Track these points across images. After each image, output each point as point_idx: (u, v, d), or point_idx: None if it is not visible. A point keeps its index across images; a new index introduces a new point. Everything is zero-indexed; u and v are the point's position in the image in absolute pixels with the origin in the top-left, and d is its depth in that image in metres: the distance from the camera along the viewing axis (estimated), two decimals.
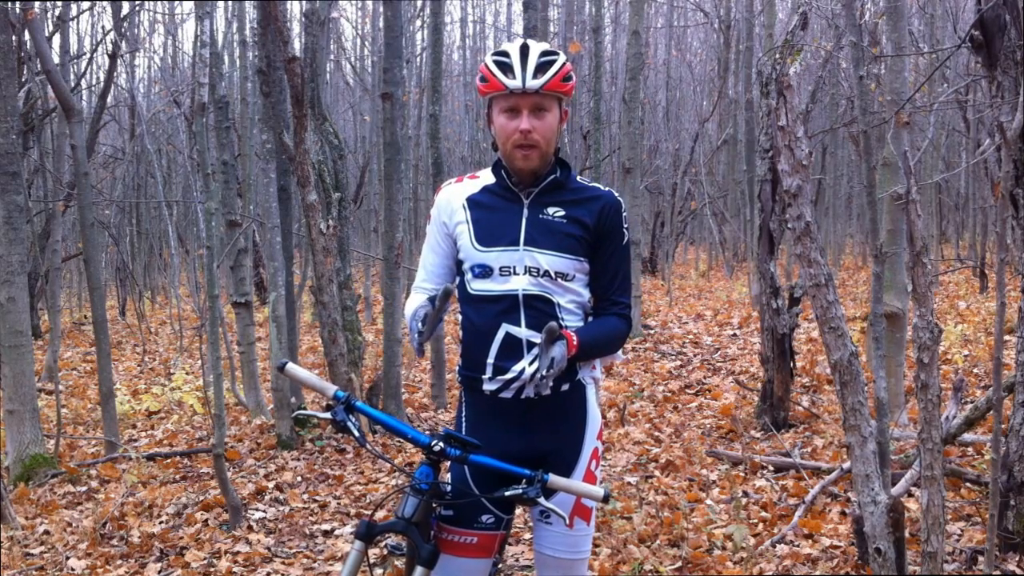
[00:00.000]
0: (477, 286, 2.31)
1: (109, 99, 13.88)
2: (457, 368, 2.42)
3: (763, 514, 4.65)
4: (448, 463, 2.29)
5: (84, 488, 5.71)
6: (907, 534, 3.63)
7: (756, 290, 8.74)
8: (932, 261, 8.29)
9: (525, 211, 2.31)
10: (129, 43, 14.23)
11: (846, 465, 4.49)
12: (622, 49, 19.36)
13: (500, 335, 2.28)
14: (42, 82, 10.52)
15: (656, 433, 6.46)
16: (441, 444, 2.18)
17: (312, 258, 6.68)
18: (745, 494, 4.98)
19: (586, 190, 2.36)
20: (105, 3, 13.67)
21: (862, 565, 3.80)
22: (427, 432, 2.23)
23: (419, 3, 17.72)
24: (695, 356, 9.50)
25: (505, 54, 2.24)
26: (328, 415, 2.19)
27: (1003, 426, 3.63)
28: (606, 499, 2.14)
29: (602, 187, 2.39)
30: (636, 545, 4.21)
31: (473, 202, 2.35)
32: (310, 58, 6.86)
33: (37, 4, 7.49)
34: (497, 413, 2.32)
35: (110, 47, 11.94)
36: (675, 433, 6.43)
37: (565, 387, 2.32)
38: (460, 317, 2.40)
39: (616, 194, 2.38)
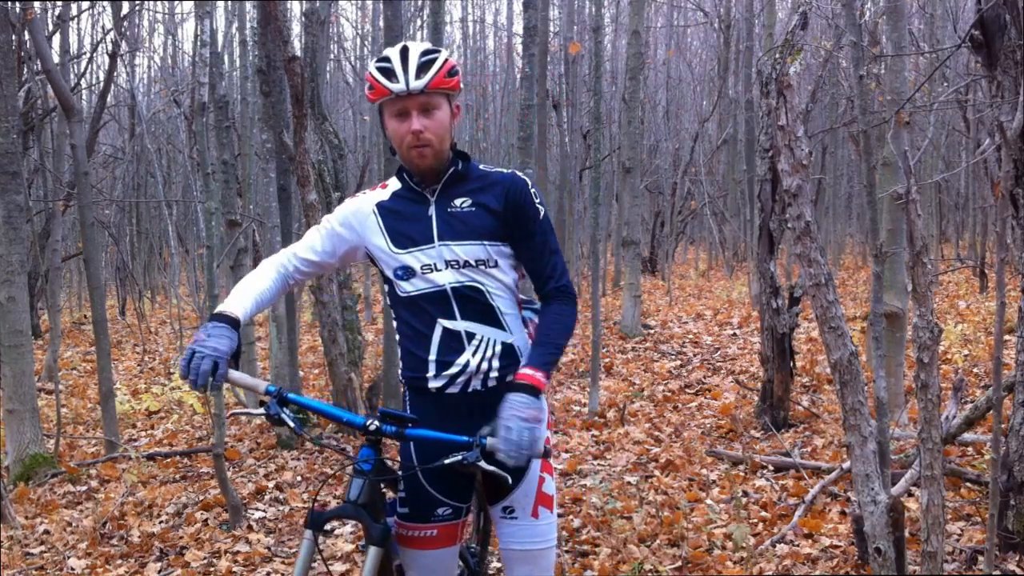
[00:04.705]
0: (404, 287, 2.34)
1: (109, 99, 13.87)
2: (400, 371, 2.44)
3: (763, 514, 4.65)
4: (400, 448, 2.38)
5: (84, 488, 5.71)
6: (907, 534, 3.63)
7: (756, 290, 8.74)
8: (932, 261, 8.28)
9: (433, 208, 2.34)
10: (129, 43, 14.22)
11: (846, 465, 4.49)
12: (622, 49, 19.36)
13: (438, 331, 2.32)
14: (42, 82, 10.51)
15: (656, 433, 6.46)
16: (376, 423, 2.21)
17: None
18: (745, 494, 4.98)
19: (489, 176, 2.39)
20: (105, 3, 13.68)
21: (862, 565, 3.80)
22: (364, 413, 2.28)
23: (419, 3, 17.72)
24: (695, 356, 9.50)
25: (386, 59, 2.26)
26: (262, 411, 2.21)
27: (1003, 426, 3.63)
28: (547, 454, 2.23)
29: (505, 170, 2.41)
30: (636, 545, 4.21)
31: (383, 208, 2.39)
32: (310, 58, 6.86)
33: (37, 4, 7.49)
34: (444, 410, 2.34)
35: (110, 47, 11.94)
36: (675, 433, 6.43)
37: (511, 377, 2.34)
38: (395, 322, 2.42)
39: (519, 173, 2.40)
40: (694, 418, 6.91)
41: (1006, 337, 3.41)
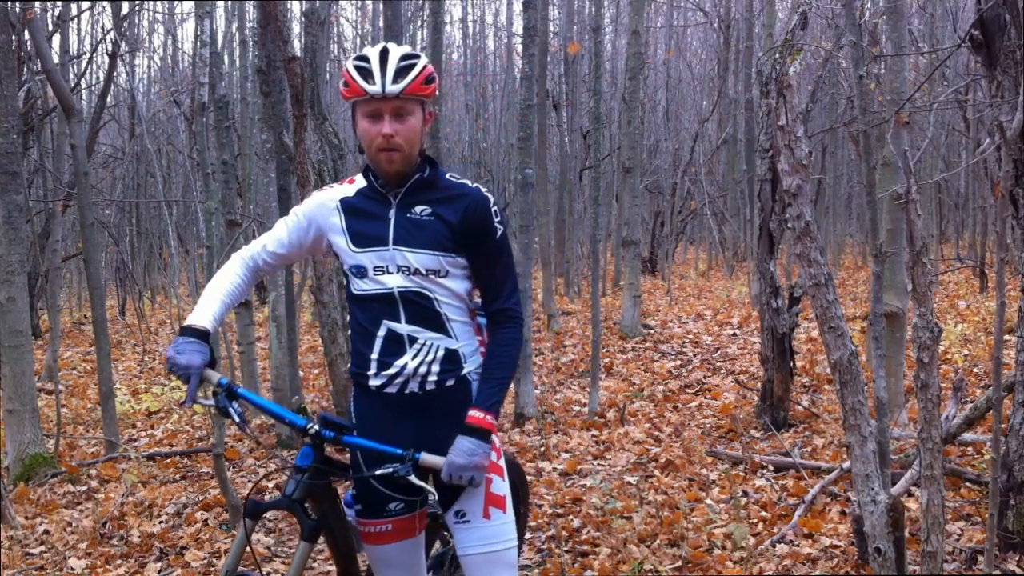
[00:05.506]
0: (357, 286, 2.38)
1: (109, 99, 13.88)
2: (348, 366, 2.50)
3: (763, 514, 4.65)
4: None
5: (84, 488, 5.71)
6: (907, 534, 3.63)
7: (756, 290, 8.74)
8: (932, 261, 8.28)
9: (393, 211, 2.36)
10: (129, 43, 14.23)
11: (846, 465, 4.49)
12: (622, 49, 19.36)
13: (382, 331, 2.35)
14: (42, 82, 10.51)
15: (656, 433, 6.46)
16: (316, 427, 2.31)
17: (311, 257, 6.68)
18: (745, 494, 4.98)
19: (453, 188, 2.39)
20: (105, 3, 13.67)
21: (862, 565, 3.80)
22: (306, 416, 2.36)
23: (419, 3, 17.72)
24: (695, 356, 9.50)
25: (365, 59, 2.27)
26: (212, 402, 2.29)
27: (1003, 426, 3.63)
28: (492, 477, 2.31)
29: (470, 184, 2.41)
30: (636, 545, 4.21)
31: (347, 204, 2.41)
32: (310, 58, 6.85)
33: (37, 4, 7.49)
34: (384, 408, 2.39)
35: (110, 47, 11.94)
36: (675, 433, 6.42)
37: (450, 382, 2.37)
38: (348, 317, 2.47)
39: (483, 190, 2.40)
40: (694, 418, 6.91)
41: (1006, 337, 3.41)
